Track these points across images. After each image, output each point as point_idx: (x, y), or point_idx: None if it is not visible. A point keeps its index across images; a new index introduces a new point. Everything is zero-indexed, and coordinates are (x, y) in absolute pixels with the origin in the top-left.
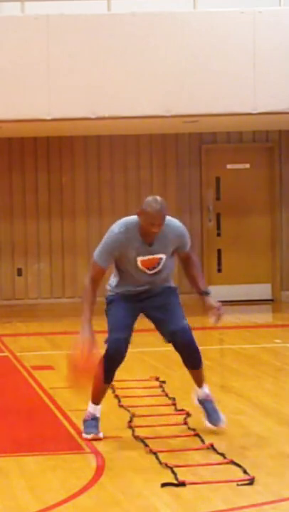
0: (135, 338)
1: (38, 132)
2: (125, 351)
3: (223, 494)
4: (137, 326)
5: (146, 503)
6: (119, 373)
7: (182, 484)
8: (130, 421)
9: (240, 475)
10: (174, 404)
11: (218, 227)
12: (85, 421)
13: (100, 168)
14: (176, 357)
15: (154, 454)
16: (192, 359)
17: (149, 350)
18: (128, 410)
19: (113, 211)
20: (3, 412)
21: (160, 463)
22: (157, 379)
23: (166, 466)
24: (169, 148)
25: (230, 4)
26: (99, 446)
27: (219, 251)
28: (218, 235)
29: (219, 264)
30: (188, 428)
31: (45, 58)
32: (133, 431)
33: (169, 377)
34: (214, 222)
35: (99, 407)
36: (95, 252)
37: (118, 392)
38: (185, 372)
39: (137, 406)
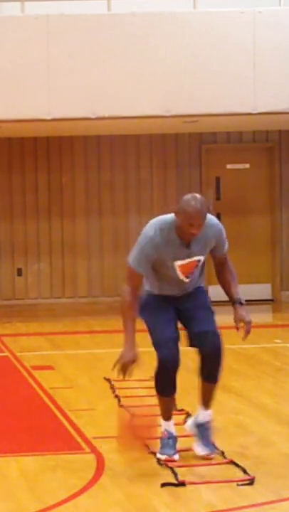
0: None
1: (38, 132)
2: (179, 357)
3: (223, 494)
4: (137, 326)
5: (146, 503)
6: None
7: (182, 484)
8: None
9: (240, 475)
10: (174, 405)
11: None
12: (161, 439)
13: (100, 168)
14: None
15: (154, 454)
16: (212, 368)
17: (149, 350)
18: (128, 410)
19: (113, 211)
20: (3, 412)
21: (160, 463)
22: None
23: (166, 466)
24: (169, 148)
25: (230, 4)
26: (99, 446)
27: None
28: None
29: None
30: None
31: (45, 58)
32: None
33: None
34: None
35: (171, 422)
36: (131, 257)
37: (118, 392)
38: (185, 373)
39: (137, 406)
